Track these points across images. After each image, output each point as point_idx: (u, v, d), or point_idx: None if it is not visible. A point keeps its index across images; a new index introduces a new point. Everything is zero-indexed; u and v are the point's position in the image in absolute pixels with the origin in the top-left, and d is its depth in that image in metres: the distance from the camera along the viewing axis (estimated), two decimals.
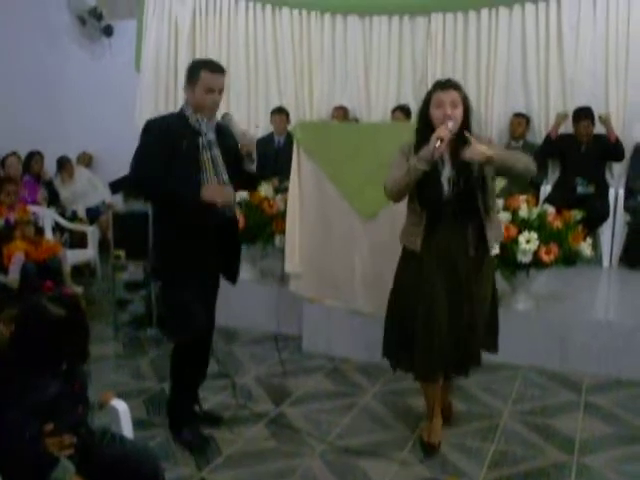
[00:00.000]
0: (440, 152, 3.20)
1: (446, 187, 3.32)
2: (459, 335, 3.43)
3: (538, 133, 6.88)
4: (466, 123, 3.31)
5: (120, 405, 2.68)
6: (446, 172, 3.34)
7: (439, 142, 3.16)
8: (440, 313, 3.39)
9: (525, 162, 3.31)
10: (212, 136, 3.54)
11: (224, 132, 3.67)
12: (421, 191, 3.35)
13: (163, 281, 3.84)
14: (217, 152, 3.56)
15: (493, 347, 3.74)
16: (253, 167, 3.86)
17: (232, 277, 3.86)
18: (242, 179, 3.83)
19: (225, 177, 3.58)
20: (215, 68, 3.50)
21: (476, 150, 3.16)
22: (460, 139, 3.26)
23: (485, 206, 3.34)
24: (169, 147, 3.39)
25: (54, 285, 5.04)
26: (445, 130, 3.18)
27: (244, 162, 3.80)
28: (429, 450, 3.53)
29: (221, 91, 3.52)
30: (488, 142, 3.41)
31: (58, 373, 2.50)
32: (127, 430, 2.63)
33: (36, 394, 2.38)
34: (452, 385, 3.94)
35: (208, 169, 3.50)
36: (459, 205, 3.33)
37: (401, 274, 3.56)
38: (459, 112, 3.28)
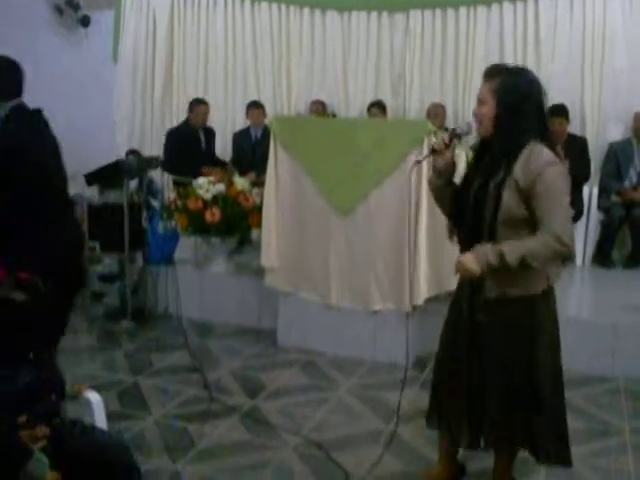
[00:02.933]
0: (443, 163, 2.75)
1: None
2: (463, 398, 2.85)
3: None
4: (498, 120, 2.62)
5: (93, 396, 2.67)
6: (474, 187, 2.72)
7: (425, 152, 2.83)
8: (443, 367, 2.96)
9: (539, 252, 2.52)
10: None
11: None
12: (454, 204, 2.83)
13: None
14: None
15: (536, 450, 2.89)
16: None
17: None
18: None
19: None
20: None
21: (460, 267, 2.62)
22: (493, 144, 2.66)
23: (491, 235, 2.61)
24: None
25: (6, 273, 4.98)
26: (441, 139, 2.75)
27: None
28: None
29: None
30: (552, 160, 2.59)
31: (26, 361, 2.47)
32: (100, 422, 2.63)
33: (6, 385, 2.35)
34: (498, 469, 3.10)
35: None
36: (472, 234, 2.70)
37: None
38: (485, 110, 2.65)
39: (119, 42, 8.37)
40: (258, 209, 5.27)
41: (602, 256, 6.31)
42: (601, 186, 6.45)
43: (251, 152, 7.18)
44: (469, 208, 2.69)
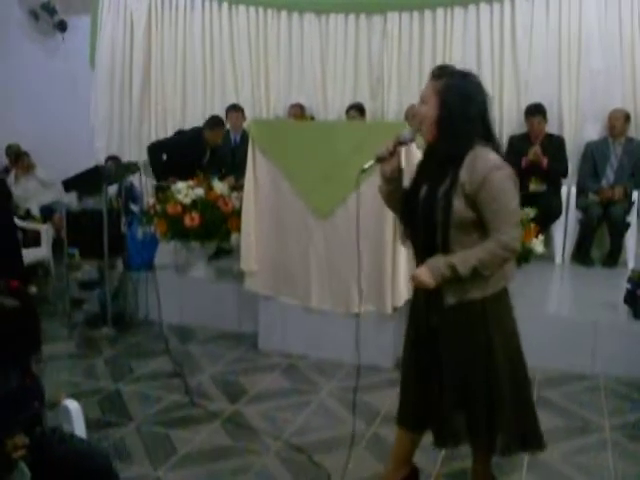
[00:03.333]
0: (390, 170, 2.73)
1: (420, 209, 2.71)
2: (429, 400, 2.84)
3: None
4: (440, 121, 2.57)
5: (72, 404, 2.65)
6: (422, 192, 2.70)
7: (372, 161, 2.72)
8: (409, 370, 2.93)
9: (486, 259, 2.53)
10: None
11: None
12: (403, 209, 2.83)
13: None
14: None
15: (483, 445, 2.83)
16: None
17: None
18: None
19: None
20: None
21: (415, 281, 2.62)
22: (437, 147, 2.64)
23: (446, 246, 2.59)
24: None
25: None
26: (387, 145, 2.70)
27: None
28: None
29: None
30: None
31: (14, 367, 2.46)
32: (79, 429, 2.61)
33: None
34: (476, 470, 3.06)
35: None
36: (425, 238, 2.69)
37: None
38: (425, 109, 2.60)
39: (96, 47, 8.32)
40: (237, 213, 5.26)
41: (581, 254, 6.36)
42: (579, 185, 6.51)
43: (230, 156, 7.16)
44: (420, 214, 2.69)
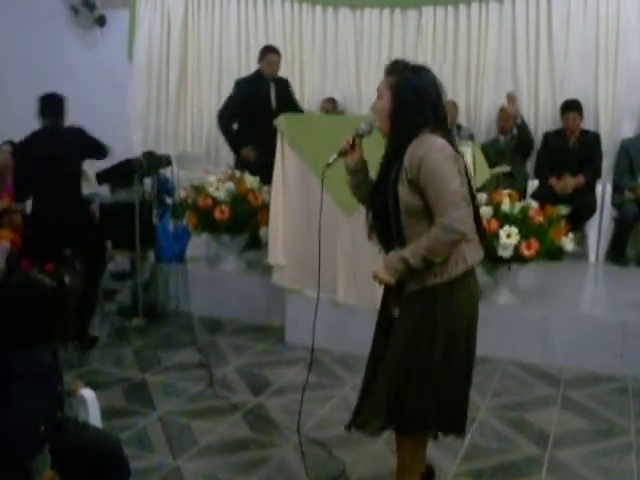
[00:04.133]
0: (352, 161, 2.80)
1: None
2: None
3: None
4: (392, 115, 2.64)
5: (88, 394, 2.70)
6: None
7: (335, 155, 2.80)
8: (371, 355, 2.98)
9: (429, 248, 2.53)
10: None
11: None
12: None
13: None
14: None
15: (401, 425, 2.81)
16: None
17: None
18: None
19: None
20: None
21: (375, 278, 2.68)
22: (388, 139, 2.70)
23: (399, 233, 2.64)
24: None
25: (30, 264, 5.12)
26: (347, 139, 2.80)
27: None
28: None
29: None
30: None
31: (49, 347, 2.53)
32: (94, 419, 2.65)
33: (39, 364, 2.40)
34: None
35: None
36: (381, 229, 2.76)
37: None
38: (381, 104, 2.67)
39: (134, 41, 8.42)
40: (267, 207, 5.29)
41: (616, 253, 6.25)
42: (614, 182, 6.38)
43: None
44: (374, 205, 2.74)
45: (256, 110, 6.33)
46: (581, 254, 6.27)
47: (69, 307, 2.67)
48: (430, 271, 2.59)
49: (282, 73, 7.25)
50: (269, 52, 6.66)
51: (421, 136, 2.59)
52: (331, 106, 7.32)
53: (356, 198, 2.95)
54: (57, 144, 4.98)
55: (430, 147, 2.55)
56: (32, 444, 2.29)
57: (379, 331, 2.90)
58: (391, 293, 2.77)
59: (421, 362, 2.66)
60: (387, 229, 2.68)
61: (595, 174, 6.33)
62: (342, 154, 2.80)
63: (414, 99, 2.60)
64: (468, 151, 4.41)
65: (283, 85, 6.69)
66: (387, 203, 2.63)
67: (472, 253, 2.67)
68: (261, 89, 6.56)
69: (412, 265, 2.54)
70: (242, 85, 6.69)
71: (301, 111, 6.55)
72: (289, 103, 6.49)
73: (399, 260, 2.57)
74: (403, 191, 2.58)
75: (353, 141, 2.79)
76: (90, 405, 2.65)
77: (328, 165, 2.83)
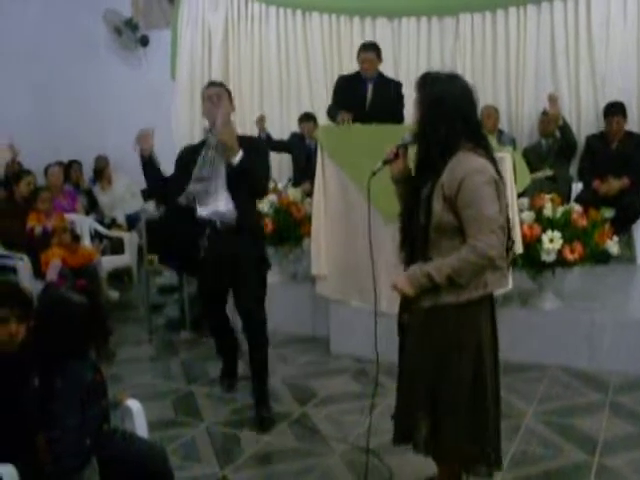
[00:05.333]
0: (397, 171, 2.80)
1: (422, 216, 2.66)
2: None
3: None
4: (422, 128, 2.64)
5: (134, 405, 2.76)
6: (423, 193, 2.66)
7: (380, 163, 2.81)
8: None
9: (457, 268, 2.53)
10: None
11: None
12: None
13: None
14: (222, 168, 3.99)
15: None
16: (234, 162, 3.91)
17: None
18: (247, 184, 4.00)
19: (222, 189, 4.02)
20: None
21: (395, 288, 2.69)
22: (422, 151, 2.67)
23: (427, 250, 2.62)
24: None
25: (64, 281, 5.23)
26: (390, 149, 2.79)
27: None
28: None
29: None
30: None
31: (88, 363, 2.61)
32: (141, 429, 2.72)
33: (78, 381, 2.48)
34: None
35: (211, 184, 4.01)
36: (403, 239, 2.79)
37: None
38: (415, 117, 2.69)
39: (176, 60, 8.59)
40: (309, 218, 5.34)
41: None
42: None
43: (305, 161, 7.24)
44: (404, 216, 2.75)
45: (350, 108, 5.65)
46: (628, 257, 6.17)
47: (102, 323, 2.72)
48: (448, 289, 2.58)
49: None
50: (361, 50, 6.11)
51: (461, 153, 2.58)
52: None
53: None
54: None
55: (472, 167, 2.53)
56: (78, 458, 2.37)
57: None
58: (404, 301, 2.78)
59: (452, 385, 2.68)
60: (412, 242, 2.70)
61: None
62: (387, 162, 2.81)
63: (442, 112, 2.57)
64: (508, 157, 4.39)
65: (386, 87, 6.05)
66: (417, 217, 2.62)
67: (495, 281, 2.66)
68: (357, 88, 6.09)
69: (436, 282, 2.55)
70: (341, 81, 6.25)
71: (399, 117, 5.80)
72: (386, 106, 5.89)
73: (423, 275, 2.57)
74: (437, 207, 2.56)
75: (397, 150, 2.80)
76: (136, 416, 2.72)
77: (373, 173, 2.85)
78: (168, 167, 7.88)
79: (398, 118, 5.72)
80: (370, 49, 6.03)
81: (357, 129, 5.12)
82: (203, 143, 4.09)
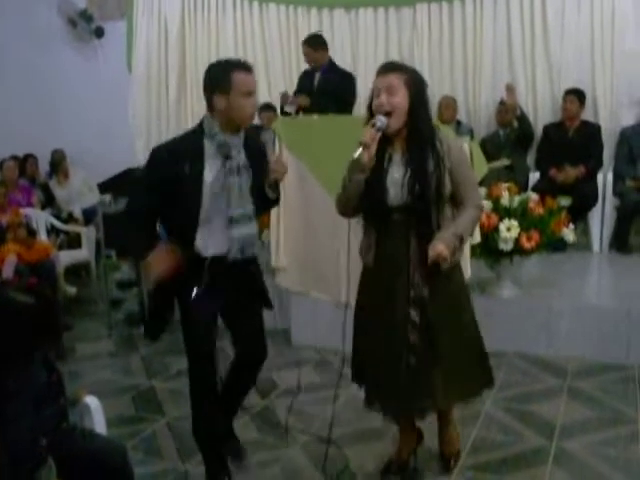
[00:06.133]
0: (368, 158, 2.78)
1: (392, 191, 2.83)
2: (403, 370, 2.94)
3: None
4: (414, 111, 2.79)
5: (92, 402, 2.73)
6: (393, 174, 2.85)
7: (360, 148, 2.75)
8: (371, 342, 3.04)
9: (475, 223, 3.05)
10: (242, 157, 2.98)
11: (254, 151, 3.08)
12: (364, 195, 2.88)
13: None
14: (246, 177, 2.99)
15: (478, 389, 3.17)
16: (273, 195, 3.17)
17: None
18: (261, 207, 3.21)
19: (249, 208, 3.03)
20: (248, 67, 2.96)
21: (434, 252, 2.74)
22: (412, 132, 2.82)
23: (438, 219, 2.84)
24: (169, 176, 2.86)
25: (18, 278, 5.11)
26: (369, 133, 2.75)
27: (267, 190, 3.11)
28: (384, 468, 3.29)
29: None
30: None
31: (40, 364, 2.55)
32: (99, 426, 2.68)
33: (29, 384, 2.42)
34: (446, 417, 3.31)
35: (232, 199, 2.94)
36: (407, 214, 2.85)
37: (359, 289, 3.14)
38: (398, 100, 2.77)
39: (132, 51, 8.48)
40: None
41: (619, 242, 6.25)
42: (615, 172, 6.39)
43: None
44: (398, 194, 2.83)
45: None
46: (584, 244, 6.28)
47: (53, 321, 2.62)
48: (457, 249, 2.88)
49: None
50: (302, 44, 6.69)
51: (437, 131, 2.91)
52: None
53: (346, 197, 2.96)
54: None
55: (454, 141, 2.96)
56: (33, 458, 2.32)
57: (392, 324, 2.94)
58: (413, 276, 2.89)
59: (468, 330, 3.04)
60: (422, 219, 2.83)
61: (596, 164, 6.34)
62: (365, 147, 2.78)
63: (425, 94, 2.87)
64: (465, 147, 4.42)
65: (332, 77, 6.43)
66: (426, 193, 2.79)
67: None
68: (307, 79, 6.67)
69: (464, 241, 2.87)
70: (300, 74, 6.92)
71: (343, 105, 6.08)
72: (330, 94, 6.20)
73: (456, 237, 2.80)
74: (446, 179, 2.82)
75: (375, 134, 2.79)
76: (94, 413, 2.68)
77: (355, 159, 2.83)
78: (124, 155, 7.82)
79: (341, 106, 6.10)
80: (305, 43, 6.59)
81: (315, 121, 5.12)
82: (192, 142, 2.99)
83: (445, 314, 2.94)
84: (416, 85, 2.82)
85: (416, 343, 2.90)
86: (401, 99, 2.78)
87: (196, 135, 2.98)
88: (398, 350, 2.92)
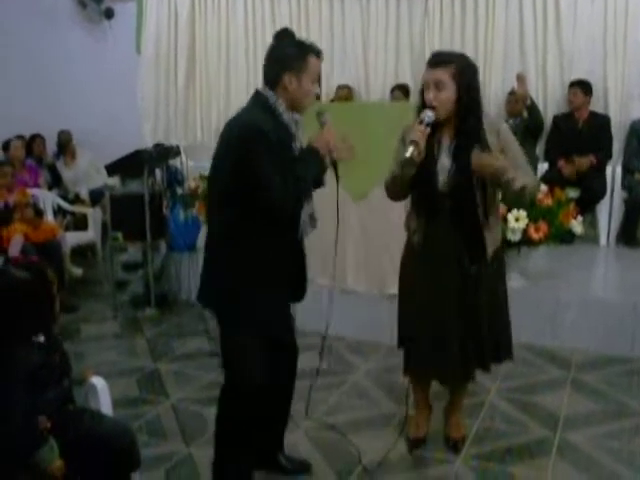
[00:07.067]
0: (417, 153, 2.82)
1: (441, 178, 2.94)
2: (449, 349, 3.10)
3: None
4: (462, 104, 2.86)
5: (99, 382, 2.73)
6: (443, 161, 2.96)
7: (412, 147, 2.80)
8: (421, 320, 3.15)
9: (527, 184, 2.93)
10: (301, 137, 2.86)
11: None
12: (414, 181, 2.98)
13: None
14: None
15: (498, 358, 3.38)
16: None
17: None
18: None
19: None
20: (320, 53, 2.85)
21: (483, 162, 2.85)
22: (462, 123, 2.89)
23: (484, 205, 2.94)
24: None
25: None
26: (418, 131, 2.82)
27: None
28: (412, 445, 3.39)
29: None
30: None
31: (37, 344, 2.54)
32: (106, 407, 2.69)
33: (21, 364, 2.41)
34: (457, 402, 3.45)
35: None
36: (455, 201, 2.95)
37: (404, 262, 3.24)
38: (446, 95, 2.85)
39: (142, 33, 8.44)
40: None
41: (626, 235, 6.23)
42: (624, 165, 6.35)
43: None
44: (446, 181, 2.94)
45: None
46: (592, 237, 6.26)
47: (46, 297, 2.57)
48: (498, 233, 3.10)
49: None
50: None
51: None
52: (347, 93, 7.34)
53: (403, 188, 3.06)
54: None
55: (496, 119, 3.23)
56: (31, 440, 2.33)
57: (442, 288, 3.08)
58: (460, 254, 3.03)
59: (505, 307, 3.29)
60: (467, 206, 2.94)
61: (605, 155, 6.30)
62: (417, 144, 2.82)
63: (476, 86, 2.91)
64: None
65: None
66: (470, 183, 2.89)
67: None
68: None
69: (512, 187, 2.89)
70: None
71: None
72: None
73: (509, 174, 2.86)
74: None
75: (425, 130, 2.85)
76: (101, 393, 2.68)
77: (408, 159, 2.84)
78: (131, 137, 7.78)
79: None
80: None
81: (326, 108, 5.08)
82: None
83: (488, 294, 3.11)
84: (465, 77, 2.86)
85: (465, 320, 3.09)
86: (449, 94, 2.85)
87: (272, 113, 2.69)
88: (448, 326, 3.10)
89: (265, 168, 2.57)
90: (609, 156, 6.33)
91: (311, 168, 2.74)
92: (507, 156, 2.92)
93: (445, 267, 3.06)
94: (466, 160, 2.87)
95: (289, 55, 2.72)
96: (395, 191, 3.11)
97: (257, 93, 2.75)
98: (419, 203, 3.07)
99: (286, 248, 2.80)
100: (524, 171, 2.96)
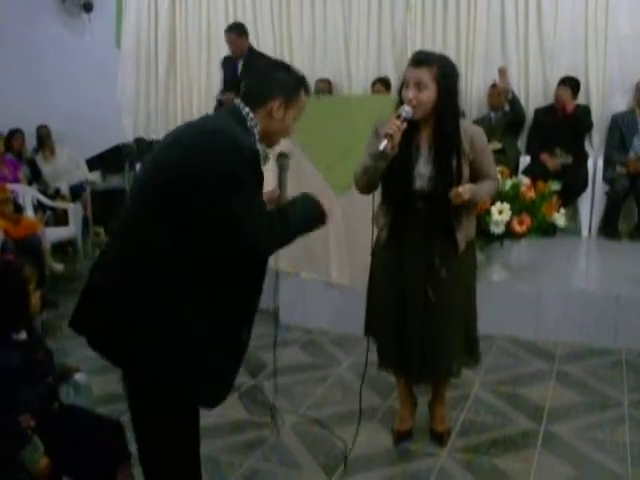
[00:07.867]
0: (391, 147, 2.80)
1: (418, 183, 2.96)
2: (415, 343, 3.14)
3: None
4: (441, 106, 2.86)
5: (82, 378, 2.70)
6: (420, 167, 2.97)
7: (386, 140, 2.77)
8: (384, 319, 3.22)
9: (491, 193, 3.22)
10: None
11: None
12: (388, 180, 2.99)
13: None
14: None
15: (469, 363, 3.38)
16: None
17: None
18: None
19: None
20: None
21: (455, 201, 2.91)
22: (440, 126, 2.90)
23: (457, 209, 2.98)
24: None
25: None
26: (394, 125, 2.78)
27: None
28: (397, 438, 3.40)
29: None
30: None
31: (18, 343, 2.51)
32: (89, 404, 2.66)
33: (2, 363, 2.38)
34: (440, 395, 3.43)
35: None
36: (429, 204, 2.98)
37: (372, 255, 3.26)
38: (427, 95, 2.84)
39: (122, 26, 8.36)
40: None
41: (608, 227, 6.28)
42: (605, 157, 6.40)
43: None
44: (423, 186, 2.97)
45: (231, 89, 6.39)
46: (574, 229, 6.30)
47: (18, 297, 2.55)
48: (472, 226, 3.11)
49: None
50: (224, 32, 6.94)
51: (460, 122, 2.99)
52: (326, 86, 7.31)
53: (373, 181, 3.03)
54: None
55: (471, 125, 3.16)
56: (13, 440, 2.30)
57: (406, 299, 3.11)
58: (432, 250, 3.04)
59: (473, 305, 3.24)
60: (442, 208, 2.96)
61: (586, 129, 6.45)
62: (391, 138, 2.79)
63: (455, 89, 2.92)
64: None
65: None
66: (448, 189, 2.91)
67: None
68: (230, 69, 6.84)
69: (481, 200, 3.19)
70: (221, 64, 7.17)
71: None
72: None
73: (484, 193, 3.08)
74: (466, 171, 2.96)
75: (401, 124, 2.82)
76: (83, 390, 2.65)
77: (381, 153, 2.82)
78: (111, 132, 7.70)
79: None
80: (232, 31, 6.80)
81: (311, 102, 5.06)
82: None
83: (455, 294, 3.10)
84: (446, 79, 2.85)
85: (429, 319, 3.09)
86: (429, 94, 2.84)
87: (250, 136, 2.25)
88: (414, 327, 3.11)
89: (256, 199, 2.18)
90: (589, 129, 6.47)
91: (307, 219, 2.42)
92: (478, 163, 3.01)
93: (413, 267, 3.07)
94: (446, 168, 2.93)
95: (285, 81, 2.33)
96: (364, 183, 3.07)
97: (234, 107, 2.29)
98: (389, 201, 3.08)
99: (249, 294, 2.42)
100: (491, 177, 3.11)
